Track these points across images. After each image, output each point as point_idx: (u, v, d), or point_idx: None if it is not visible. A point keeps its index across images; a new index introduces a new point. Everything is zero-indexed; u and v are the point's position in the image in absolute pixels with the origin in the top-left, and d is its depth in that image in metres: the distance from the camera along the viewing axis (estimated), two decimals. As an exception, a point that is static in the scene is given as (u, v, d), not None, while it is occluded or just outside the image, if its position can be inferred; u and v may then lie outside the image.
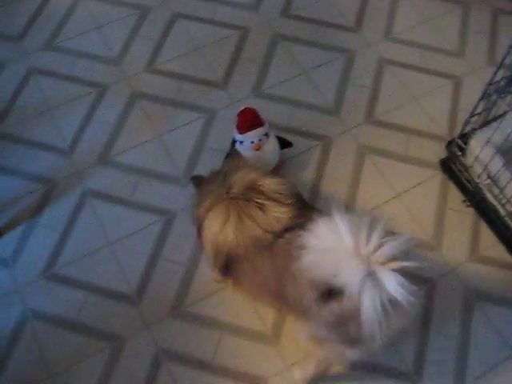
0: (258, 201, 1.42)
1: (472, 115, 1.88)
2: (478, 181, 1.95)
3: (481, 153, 1.89)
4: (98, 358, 1.72)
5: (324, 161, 2.06)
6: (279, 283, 1.40)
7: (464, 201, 2.00)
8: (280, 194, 1.45)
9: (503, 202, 1.89)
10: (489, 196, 1.94)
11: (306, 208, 1.50)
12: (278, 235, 1.38)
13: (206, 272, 1.82)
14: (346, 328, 1.30)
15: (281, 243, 1.37)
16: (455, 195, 2.00)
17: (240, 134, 1.84)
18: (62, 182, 2.00)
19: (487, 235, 1.93)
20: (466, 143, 1.97)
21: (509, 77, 1.74)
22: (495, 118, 1.95)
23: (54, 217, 1.94)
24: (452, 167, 2.04)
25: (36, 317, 1.78)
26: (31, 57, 2.28)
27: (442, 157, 2.06)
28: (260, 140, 1.84)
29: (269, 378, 1.70)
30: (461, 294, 1.83)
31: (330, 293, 1.24)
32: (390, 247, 1.16)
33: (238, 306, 1.79)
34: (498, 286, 1.86)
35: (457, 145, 1.98)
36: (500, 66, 1.66)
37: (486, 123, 1.96)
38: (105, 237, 1.90)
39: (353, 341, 1.34)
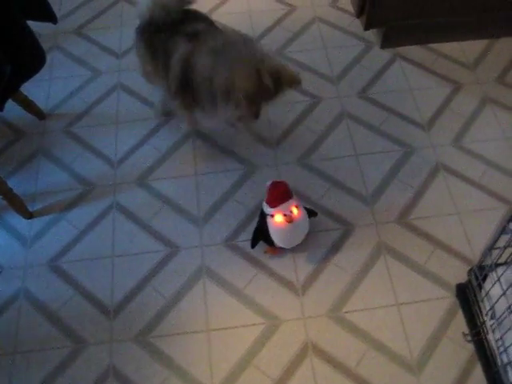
0: None
1: (490, 248, 1.74)
2: (485, 318, 1.80)
3: (490, 290, 1.75)
4: (59, 352, 1.84)
5: (338, 247, 2.02)
6: None
7: (466, 334, 1.85)
8: None
9: (501, 350, 1.72)
10: (491, 339, 1.78)
11: None
12: None
13: (184, 310, 1.90)
14: None
15: None
16: (459, 325, 1.85)
17: (271, 207, 1.87)
18: (99, 189, 2.19)
19: (479, 380, 1.76)
20: (484, 276, 1.83)
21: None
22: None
23: (80, 216, 2.12)
24: (467, 295, 1.90)
25: (26, 297, 1.95)
26: (122, 74, 2.55)
27: (461, 281, 1.92)
28: (291, 212, 1.87)
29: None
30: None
31: None
32: None
33: (195, 354, 1.82)
34: None
35: (474, 274, 1.85)
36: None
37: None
38: (112, 248, 2.04)
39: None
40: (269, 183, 1.91)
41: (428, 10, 2.43)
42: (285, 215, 1.86)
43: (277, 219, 1.87)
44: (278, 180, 1.93)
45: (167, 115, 2.37)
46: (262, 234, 1.94)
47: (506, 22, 2.53)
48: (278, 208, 1.86)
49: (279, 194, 1.88)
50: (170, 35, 1.95)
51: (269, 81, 1.78)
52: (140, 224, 2.10)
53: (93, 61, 2.59)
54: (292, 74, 1.86)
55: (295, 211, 1.88)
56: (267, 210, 1.89)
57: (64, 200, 2.17)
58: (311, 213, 2.01)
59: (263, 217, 1.93)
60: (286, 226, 1.88)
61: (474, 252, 2.00)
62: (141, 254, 2.03)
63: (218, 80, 1.81)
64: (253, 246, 1.98)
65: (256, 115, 1.88)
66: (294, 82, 1.87)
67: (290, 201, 1.88)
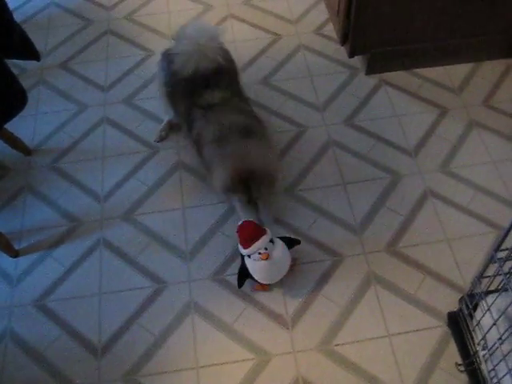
0: None
1: (479, 277, 1.72)
2: (477, 348, 1.77)
3: (481, 319, 1.73)
4: (45, 395, 1.82)
5: (327, 278, 1.99)
6: None
7: (459, 364, 1.82)
8: None
9: (494, 381, 1.68)
10: (484, 369, 1.75)
11: None
12: None
13: (172, 347, 1.87)
14: None
15: None
16: (452, 355, 1.82)
17: (245, 248, 1.85)
18: (85, 225, 2.17)
19: (474, 411, 1.74)
20: (474, 304, 1.80)
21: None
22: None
23: (67, 253, 2.10)
24: (458, 324, 1.87)
25: (12, 337, 1.92)
26: (108, 107, 2.54)
27: (452, 309, 1.90)
28: (266, 248, 1.84)
29: None
30: None
31: None
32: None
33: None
34: None
35: (465, 302, 1.83)
36: (510, 228, 1.52)
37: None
38: (99, 286, 2.02)
39: None
40: (239, 224, 1.89)
41: (411, 35, 2.44)
42: (260, 253, 1.84)
43: (253, 259, 1.86)
44: (247, 220, 1.90)
45: (162, 140, 2.40)
46: (246, 273, 1.92)
47: (488, 46, 2.55)
48: (252, 247, 1.83)
49: (249, 234, 1.85)
50: (191, 96, 2.05)
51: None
52: (127, 260, 2.07)
53: (78, 95, 2.59)
54: (271, 178, 1.95)
55: (270, 247, 1.86)
56: (242, 251, 1.87)
57: (50, 237, 2.15)
58: (293, 241, 1.99)
59: (243, 257, 1.91)
60: (264, 264, 1.86)
61: (465, 279, 1.97)
62: (128, 291, 2.00)
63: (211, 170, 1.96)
64: (240, 286, 1.95)
65: (249, 201, 1.97)
66: (269, 185, 1.96)
67: (264, 237, 1.84)
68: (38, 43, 2.75)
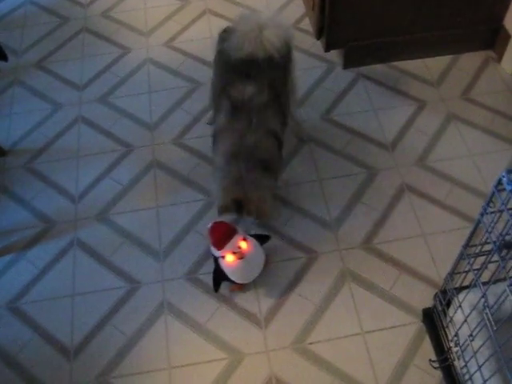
0: None
1: (451, 273, 1.70)
2: (451, 344, 1.76)
3: (454, 315, 1.71)
4: (18, 399, 1.81)
5: (301, 276, 1.98)
6: None
7: (433, 361, 1.80)
8: None
9: (466, 377, 1.67)
10: (457, 365, 1.74)
11: None
12: None
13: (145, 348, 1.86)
14: None
15: None
16: (427, 351, 1.80)
17: (219, 249, 1.82)
18: (59, 226, 2.15)
19: (448, 408, 1.72)
20: (448, 300, 1.79)
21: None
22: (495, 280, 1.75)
23: (40, 255, 2.08)
24: (433, 320, 1.85)
25: (-16, 341, 1.92)
26: (83, 106, 2.52)
27: (428, 306, 1.88)
28: (239, 248, 1.82)
29: None
30: None
31: None
32: None
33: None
34: None
35: (439, 299, 1.81)
36: (477, 225, 1.50)
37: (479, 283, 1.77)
38: (72, 287, 2.00)
39: None
40: (209, 226, 1.85)
41: (388, 28, 2.41)
42: (234, 253, 1.81)
43: (228, 259, 1.83)
44: (218, 220, 1.86)
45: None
46: (221, 275, 1.89)
47: (467, 38, 2.52)
48: (226, 248, 1.80)
49: (222, 235, 1.81)
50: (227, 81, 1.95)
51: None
52: (101, 260, 2.06)
53: (53, 94, 2.57)
54: (261, 210, 1.87)
55: (244, 245, 1.83)
56: (216, 253, 1.84)
57: (24, 238, 2.13)
58: (264, 238, 1.97)
59: (216, 259, 1.88)
60: (240, 263, 1.83)
61: (441, 275, 1.95)
62: (101, 292, 1.99)
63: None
64: (216, 290, 1.93)
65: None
66: (258, 216, 1.89)
67: (235, 237, 1.81)
68: (13, 42, 2.75)
